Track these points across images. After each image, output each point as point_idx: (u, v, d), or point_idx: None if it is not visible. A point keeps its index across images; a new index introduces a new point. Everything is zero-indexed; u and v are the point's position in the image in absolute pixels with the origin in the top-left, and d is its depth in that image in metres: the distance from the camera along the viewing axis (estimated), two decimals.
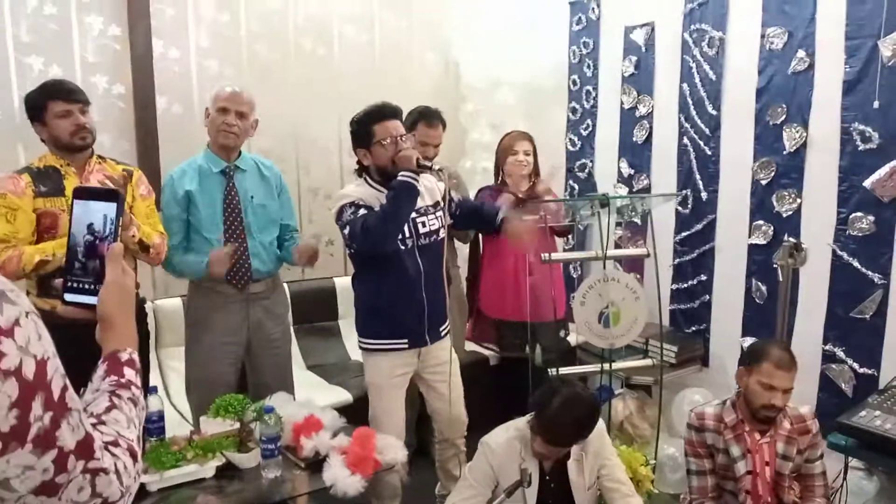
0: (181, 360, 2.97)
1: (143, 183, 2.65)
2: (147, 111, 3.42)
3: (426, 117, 3.15)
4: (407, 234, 2.51)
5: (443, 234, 2.61)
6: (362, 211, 2.43)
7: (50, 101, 2.41)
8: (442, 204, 2.59)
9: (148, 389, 2.42)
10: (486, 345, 3.76)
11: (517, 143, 3.36)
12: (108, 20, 3.32)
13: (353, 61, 4.10)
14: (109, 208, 1.05)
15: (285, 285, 3.42)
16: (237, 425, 2.41)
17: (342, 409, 3.19)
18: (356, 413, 3.02)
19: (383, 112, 2.48)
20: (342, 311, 4.08)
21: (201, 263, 2.63)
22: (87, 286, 1.05)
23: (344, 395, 3.42)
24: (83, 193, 1.07)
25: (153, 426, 2.38)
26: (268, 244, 2.81)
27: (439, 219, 2.60)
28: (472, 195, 3.71)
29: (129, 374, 0.98)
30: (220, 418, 2.40)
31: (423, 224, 2.56)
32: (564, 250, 3.94)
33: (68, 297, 1.05)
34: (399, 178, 2.39)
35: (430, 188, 2.63)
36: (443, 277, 2.60)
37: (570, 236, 3.77)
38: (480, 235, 3.52)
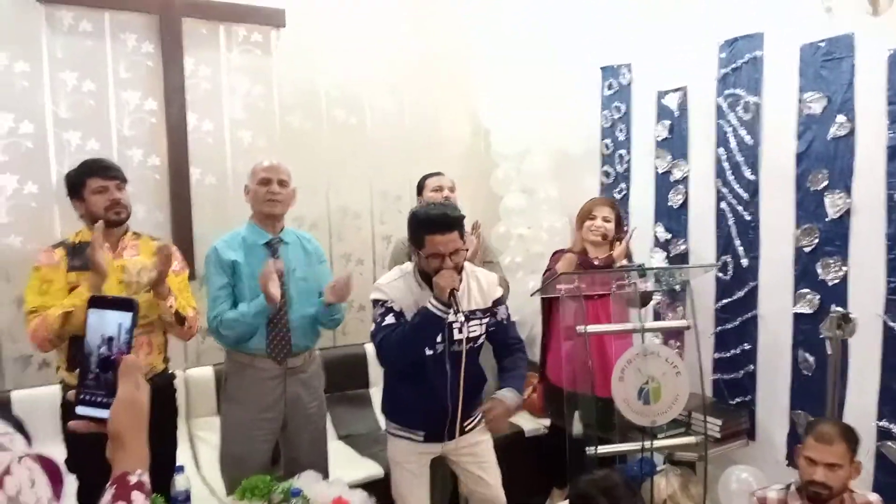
0: (212, 430, 2.94)
1: (176, 258, 2.65)
2: (181, 182, 3.47)
3: (430, 174, 3.44)
4: (438, 340, 2.41)
5: (482, 340, 2.54)
6: (389, 318, 2.39)
7: (88, 178, 2.46)
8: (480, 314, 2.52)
9: (174, 468, 2.39)
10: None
11: (596, 209, 3.28)
12: (144, 95, 3.41)
13: (384, 129, 4.15)
14: (125, 318, 1.03)
15: (317, 352, 3.38)
16: None
17: (373, 484, 3.15)
18: (387, 488, 2.93)
19: (438, 225, 2.34)
20: (373, 379, 4.01)
21: (260, 301, 2.57)
22: (100, 399, 1.01)
23: (375, 470, 3.32)
24: (99, 302, 1.04)
25: None
26: (308, 317, 2.77)
27: (483, 326, 2.52)
28: (502, 259, 3.67)
29: (138, 499, 0.93)
30: (246, 501, 2.34)
31: (460, 330, 2.44)
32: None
33: (80, 410, 1.02)
34: (428, 306, 2.33)
35: (482, 290, 2.53)
36: (477, 380, 2.53)
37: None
38: (549, 301, 3.38)
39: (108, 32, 3.31)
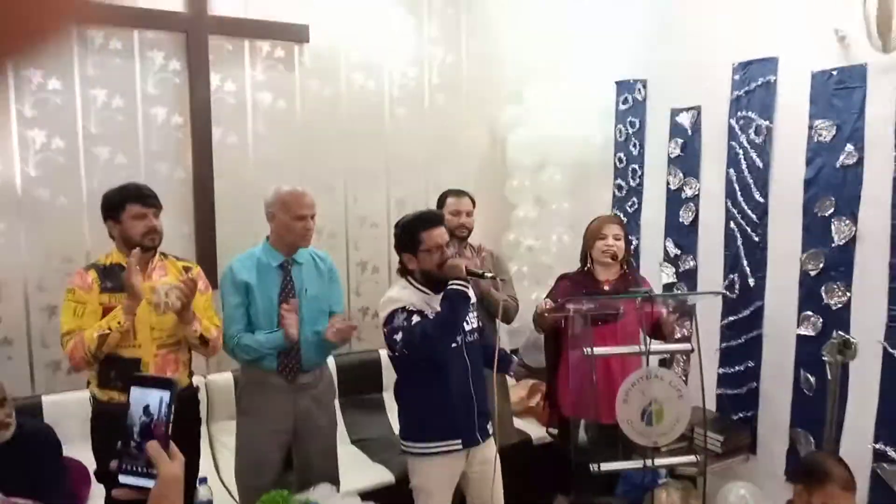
0: (231, 434, 3.07)
1: (201, 278, 2.76)
2: (205, 195, 3.59)
3: (453, 192, 3.49)
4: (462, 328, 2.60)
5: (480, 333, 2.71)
6: (415, 317, 2.50)
7: (128, 203, 2.56)
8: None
9: (197, 479, 2.52)
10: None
11: (606, 227, 3.21)
12: (171, 110, 3.52)
13: (403, 140, 4.25)
14: (164, 394, 1.12)
15: (331, 359, 3.50)
16: None
17: (384, 491, 3.28)
18: (398, 495, 3.07)
19: (430, 220, 2.59)
20: (387, 384, 4.13)
21: (278, 337, 2.71)
22: (140, 469, 1.10)
23: (386, 476, 3.46)
24: (141, 381, 1.15)
25: None
26: (318, 335, 2.87)
27: (479, 318, 2.72)
28: (512, 270, 3.74)
29: None
30: None
31: (467, 322, 2.64)
32: None
33: (122, 479, 1.11)
34: (452, 286, 2.47)
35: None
36: (484, 376, 2.69)
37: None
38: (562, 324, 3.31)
39: (136, 50, 3.42)
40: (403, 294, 2.58)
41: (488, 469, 2.71)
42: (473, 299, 2.63)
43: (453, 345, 2.58)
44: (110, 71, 3.37)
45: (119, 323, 2.47)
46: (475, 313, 2.71)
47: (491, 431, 2.75)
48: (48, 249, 3.31)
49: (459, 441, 2.63)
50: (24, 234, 3.26)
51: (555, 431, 3.61)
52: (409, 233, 2.58)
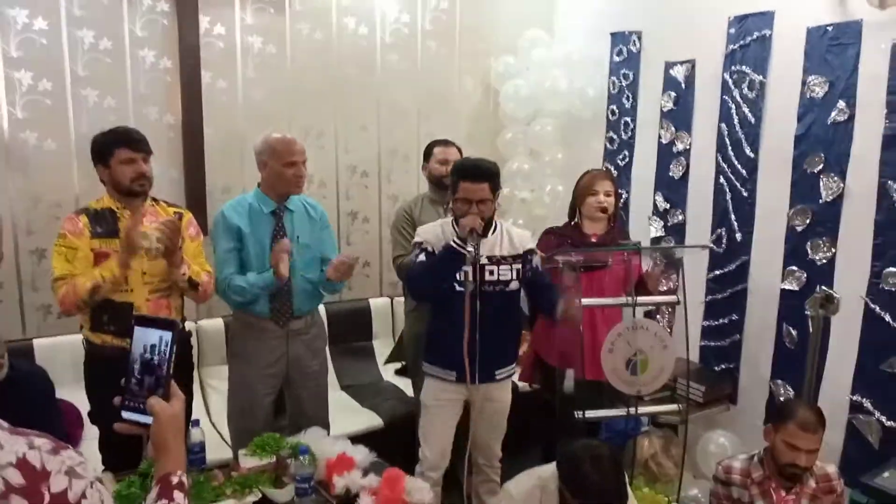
0: (221, 378, 3.11)
1: (192, 224, 2.75)
2: (195, 140, 3.55)
3: (440, 142, 3.48)
4: (469, 279, 2.63)
5: (514, 286, 2.75)
6: (421, 256, 2.71)
7: (117, 148, 2.51)
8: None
9: (191, 421, 2.56)
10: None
11: (598, 183, 3.17)
12: (159, 53, 3.45)
13: (395, 89, 4.21)
14: (166, 335, 1.15)
15: (322, 307, 3.54)
16: (274, 459, 2.53)
17: (373, 434, 3.35)
18: (387, 439, 3.14)
19: (474, 174, 2.65)
20: (376, 331, 4.20)
21: (269, 276, 2.70)
22: (141, 406, 1.13)
23: (375, 421, 3.53)
24: (144, 321, 1.16)
25: (195, 456, 2.50)
26: (310, 283, 2.90)
27: (514, 271, 2.74)
28: (507, 223, 3.75)
29: (179, 497, 1.08)
30: (257, 457, 2.52)
31: (492, 272, 2.70)
32: None
33: (125, 414, 1.14)
34: (449, 242, 2.62)
35: (512, 242, 2.76)
36: (510, 325, 2.80)
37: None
38: None
39: None
40: (429, 230, 2.77)
41: (490, 407, 2.83)
42: (504, 244, 2.74)
43: (459, 289, 2.65)
44: (97, 11, 3.29)
45: (113, 274, 2.46)
46: (512, 266, 2.74)
47: (500, 377, 2.83)
48: (36, 193, 3.28)
49: (453, 373, 2.75)
50: (12, 177, 3.22)
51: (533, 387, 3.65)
52: (454, 176, 2.70)
